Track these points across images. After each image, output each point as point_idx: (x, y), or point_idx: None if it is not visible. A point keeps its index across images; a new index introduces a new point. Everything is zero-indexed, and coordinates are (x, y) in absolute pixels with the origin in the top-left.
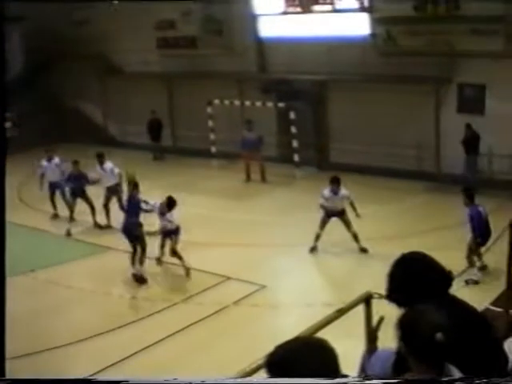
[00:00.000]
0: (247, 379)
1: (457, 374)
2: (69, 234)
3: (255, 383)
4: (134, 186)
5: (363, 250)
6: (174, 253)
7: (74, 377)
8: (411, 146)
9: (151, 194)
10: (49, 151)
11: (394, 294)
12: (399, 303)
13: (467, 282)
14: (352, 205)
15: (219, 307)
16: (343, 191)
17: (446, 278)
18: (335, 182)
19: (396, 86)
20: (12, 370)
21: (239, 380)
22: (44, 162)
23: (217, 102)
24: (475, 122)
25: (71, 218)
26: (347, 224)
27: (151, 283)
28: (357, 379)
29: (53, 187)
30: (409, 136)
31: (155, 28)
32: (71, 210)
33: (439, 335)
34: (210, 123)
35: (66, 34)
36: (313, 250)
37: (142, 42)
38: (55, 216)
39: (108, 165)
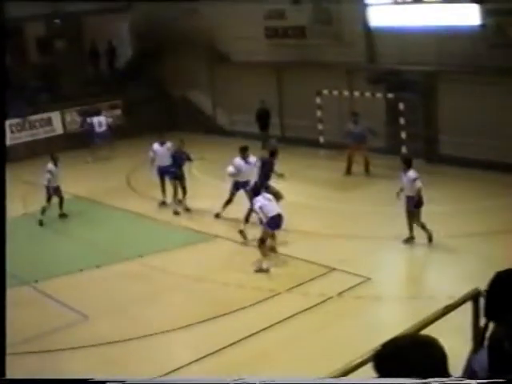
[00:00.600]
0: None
1: None
2: (176, 213)
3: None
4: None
5: (430, 240)
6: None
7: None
8: None
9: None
10: (162, 136)
11: (493, 312)
12: (499, 321)
13: None
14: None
15: (323, 298)
16: (410, 173)
17: None
18: (406, 162)
19: (508, 77)
20: (110, 354)
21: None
22: (156, 146)
23: (326, 92)
24: None
25: (175, 199)
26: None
27: (259, 273)
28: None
29: (162, 172)
30: None
31: (264, 17)
32: (175, 191)
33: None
34: (319, 113)
35: (174, 23)
36: (407, 241)
37: (251, 31)
38: (163, 203)
39: (252, 159)
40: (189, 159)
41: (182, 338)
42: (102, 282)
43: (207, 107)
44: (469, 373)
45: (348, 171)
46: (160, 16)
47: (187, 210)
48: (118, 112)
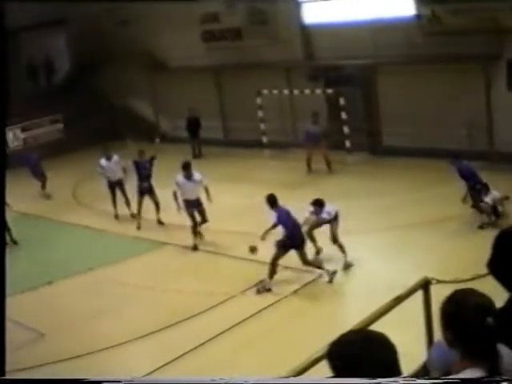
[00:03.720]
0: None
1: (509, 355)
2: (139, 227)
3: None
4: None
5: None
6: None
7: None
8: (463, 125)
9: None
10: (107, 150)
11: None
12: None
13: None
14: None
15: (278, 298)
16: (197, 175)
17: None
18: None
19: (444, 65)
20: (71, 370)
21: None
22: (103, 161)
23: (265, 91)
24: None
25: (139, 214)
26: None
27: (210, 277)
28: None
29: (113, 186)
30: (460, 115)
31: (200, 21)
32: (139, 207)
33: (490, 320)
34: (260, 113)
35: (111, 33)
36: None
37: (188, 36)
38: (116, 217)
39: (196, 175)
40: (153, 159)
41: (141, 349)
42: (55, 299)
43: (149, 115)
44: (422, 372)
45: (309, 169)
46: (95, 28)
47: (160, 223)
48: (60, 126)
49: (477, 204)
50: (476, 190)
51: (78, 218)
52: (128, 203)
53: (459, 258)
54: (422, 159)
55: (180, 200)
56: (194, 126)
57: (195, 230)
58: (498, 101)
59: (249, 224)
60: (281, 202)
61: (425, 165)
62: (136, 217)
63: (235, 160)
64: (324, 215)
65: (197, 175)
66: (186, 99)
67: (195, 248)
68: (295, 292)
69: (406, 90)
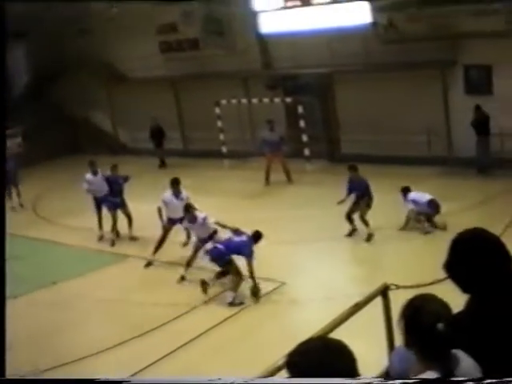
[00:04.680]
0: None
1: (467, 361)
2: (113, 244)
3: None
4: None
5: None
6: None
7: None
8: (421, 131)
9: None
10: (93, 165)
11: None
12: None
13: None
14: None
15: (241, 307)
16: (184, 194)
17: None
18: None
19: (401, 72)
20: None
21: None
22: (89, 177)
23: (224, 101)
24: (484, 102)
25: (114, 229)
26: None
27: (172, 289)
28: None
29: (98, 202)
30: (418, 122)
31: (157, 32)
32: (114, 221)
33: (440, 325)
34: (219, 123)
35: (69, 46)
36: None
37: (145, 47)
38: (101, 238)
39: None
40: (126, 181)
41: (105, 362)
42: (19, 313)
43: (108, 127)
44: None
45: (267, 181)
46: (54, 41)
47: (133, 238)
48: (19, 140)
49: (350, 214)
50: (359, 204)
51: (39, 232)
52: (116, 223)
53: (420, 263)
54: (380, 166)
55: (164, 217)
56: (157, 135)
57: (158, 248)
58: (456, 106)
59: None
60: (241, 212)
61: (384, 172)
62: (114, 233)
63: (195, 171)
64: (200, 218)
65: (184, 193)
66: (145, 110)
67: (149, 264)
68: (254, 302)
69: (364, 97)
